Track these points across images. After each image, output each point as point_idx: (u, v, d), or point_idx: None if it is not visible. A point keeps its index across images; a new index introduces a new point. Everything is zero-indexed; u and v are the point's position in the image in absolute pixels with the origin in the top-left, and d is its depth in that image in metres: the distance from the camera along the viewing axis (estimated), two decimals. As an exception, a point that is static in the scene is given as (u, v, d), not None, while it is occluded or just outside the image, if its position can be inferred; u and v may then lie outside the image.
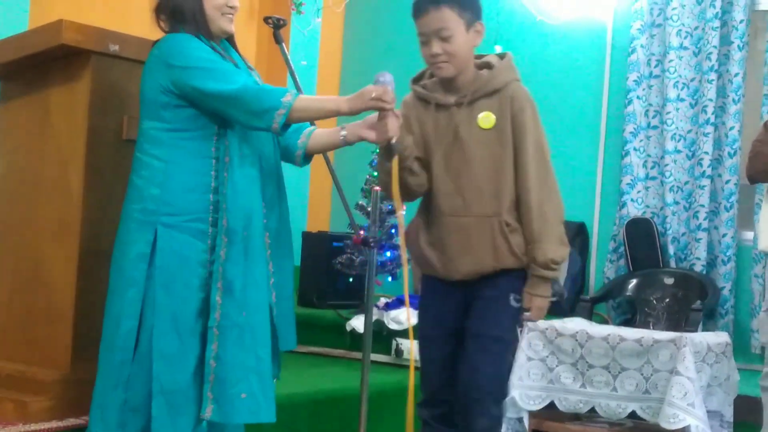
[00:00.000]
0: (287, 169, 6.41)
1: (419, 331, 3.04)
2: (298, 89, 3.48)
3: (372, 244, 3.44)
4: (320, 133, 2.96)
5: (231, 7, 2.84)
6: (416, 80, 3.01)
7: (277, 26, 3.18)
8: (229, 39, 2.95)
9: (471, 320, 2.94)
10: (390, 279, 4.89)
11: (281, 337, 2.92)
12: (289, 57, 3.27)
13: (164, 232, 2.72)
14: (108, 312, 2.80)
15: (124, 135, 3.11)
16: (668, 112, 5.40)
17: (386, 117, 2.73)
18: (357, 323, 4.58)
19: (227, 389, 2.72)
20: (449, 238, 2.93)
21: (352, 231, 3.59)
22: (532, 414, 4.28)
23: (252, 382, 2.76)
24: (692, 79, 5.40)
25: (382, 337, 4.57)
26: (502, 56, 3.02)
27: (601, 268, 5.64)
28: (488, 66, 2.97)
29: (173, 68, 2.72)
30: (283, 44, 3.19)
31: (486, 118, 2.89)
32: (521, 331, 4.44)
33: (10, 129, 3.32)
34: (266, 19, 3.20)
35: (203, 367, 2.73)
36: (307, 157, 2.99)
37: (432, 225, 2.97)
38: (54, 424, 3.00)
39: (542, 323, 4.39)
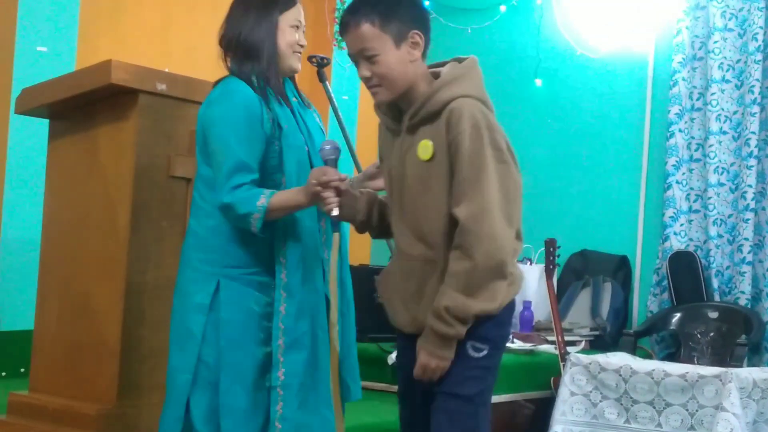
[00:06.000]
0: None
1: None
2: (341, 125, 3.51)
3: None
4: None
5: (301, 46, 2.82)
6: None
7: (321, 65, 3.20)
8: (291, 76, 2.89)
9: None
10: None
11: (350, 388, 2.90)
12: (332, 94, 3.30)
13: (227, 284, 2.68)
14: (169, 362, 2.75)
15: (170, 172, 3.15)
16: (711, 145, 5.37)
17: (326, 191, 2.57)
18: (398, 357, 4.57)
19: None
20: (403, 283, 2.46)
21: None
22: (576, 450, 4.25)
23: None
24: (735, 112, 5.37)
25: (424, 371, 4.55)
26: (460, 61, 2.48)
27: (645, 302, 5.60)
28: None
29: (204, 121, 2.72)
30: (327, 82, 3.22)
31: (424, 148, 2.38)
32: (563, 366, 4.42)
33: (58, 167, 3.38)
34: (310, 58, 3.22)
35: (268, 424, 2.68)
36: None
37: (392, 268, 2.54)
38: (100, 458, 3.03)
39: (585, 358, 4.37)
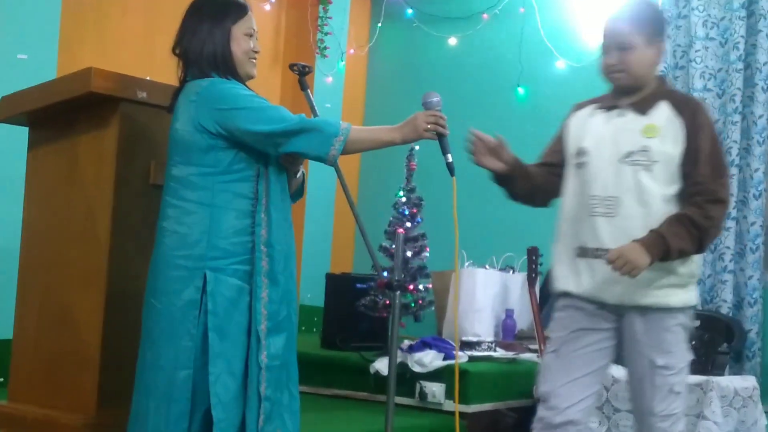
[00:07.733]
0: (312, 209, 6.40)
1: None
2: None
3: (396, 287, 3.44)
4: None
5: (255, 52, 2.93)
6: None
7: (302, 73, 3.21)
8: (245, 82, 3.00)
9: None
10: (414, 321, 4.88)
11: None
12: (313, 102, 3.29)
13: (213, 277, 2.74)
14: (156, 363, 2.77)
15: (151, 180, 3.14)
16: (692, 154, 5.39)
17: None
18: (380, 365, 4.57)
19: (265, 427, 2.77)
20: None
21: (376, 273, 3.60)
22: (558, 458, 4.24)
23: (285, 419, 2.82)
24: (716, 121, 5.39)
25: (406, 379, 4.55)
26: None
27: (626, 310, 5.60)
28: None
29: (223, 111, 2.75)
30: (308, 90, 3.22)
31: None
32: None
33: (38, 175, 3.36)
34: (292, 67, 3.23)
35: (246, 404, 2.76)
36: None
37: None
38: (79, 469, 3.01)
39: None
